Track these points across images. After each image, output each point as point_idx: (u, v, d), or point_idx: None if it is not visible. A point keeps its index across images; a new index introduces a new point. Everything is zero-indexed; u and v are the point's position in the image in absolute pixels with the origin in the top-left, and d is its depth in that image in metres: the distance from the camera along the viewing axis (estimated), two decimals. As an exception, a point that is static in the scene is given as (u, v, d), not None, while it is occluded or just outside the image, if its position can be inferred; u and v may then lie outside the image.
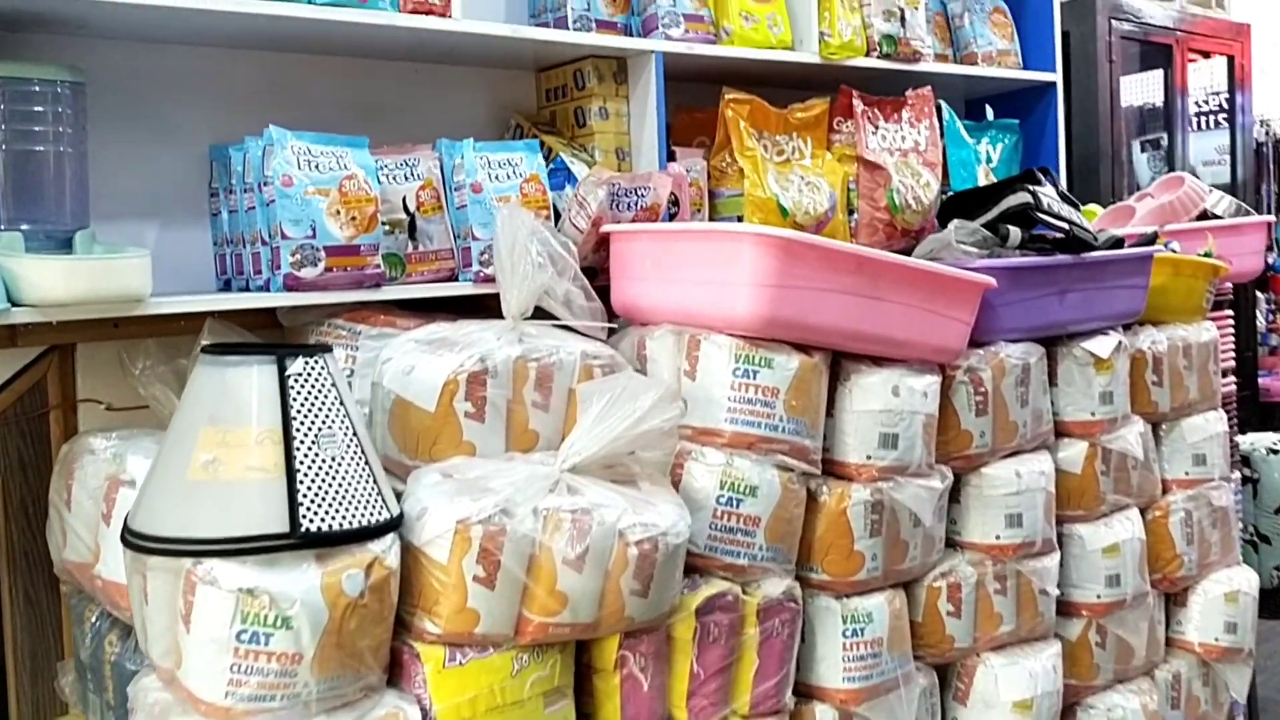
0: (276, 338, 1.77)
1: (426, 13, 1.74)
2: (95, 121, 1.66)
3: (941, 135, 2.46)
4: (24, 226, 1.50)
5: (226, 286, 1.77)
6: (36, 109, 1.50)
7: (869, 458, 1.72)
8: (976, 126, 2.60)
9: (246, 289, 1.70)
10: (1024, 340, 1.97)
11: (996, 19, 2.73)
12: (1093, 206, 2.89)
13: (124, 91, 1.72)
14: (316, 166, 1.64)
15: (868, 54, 2.35)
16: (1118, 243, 2.06)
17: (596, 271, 1.90)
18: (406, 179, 1.79)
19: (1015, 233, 1.92)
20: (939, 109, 2.49)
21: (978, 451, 1.90)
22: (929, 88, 2.45)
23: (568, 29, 2.02)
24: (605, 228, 1.83)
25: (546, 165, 1.96)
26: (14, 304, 1.41)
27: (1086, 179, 3.30)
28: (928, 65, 2.50)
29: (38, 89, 1.50)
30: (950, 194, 2.29)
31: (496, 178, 1.84)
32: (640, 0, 2.12)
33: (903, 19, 2.39)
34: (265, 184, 1.61)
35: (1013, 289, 1.91)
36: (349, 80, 1.94)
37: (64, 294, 1.40)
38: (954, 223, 1.94)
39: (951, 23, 2.71)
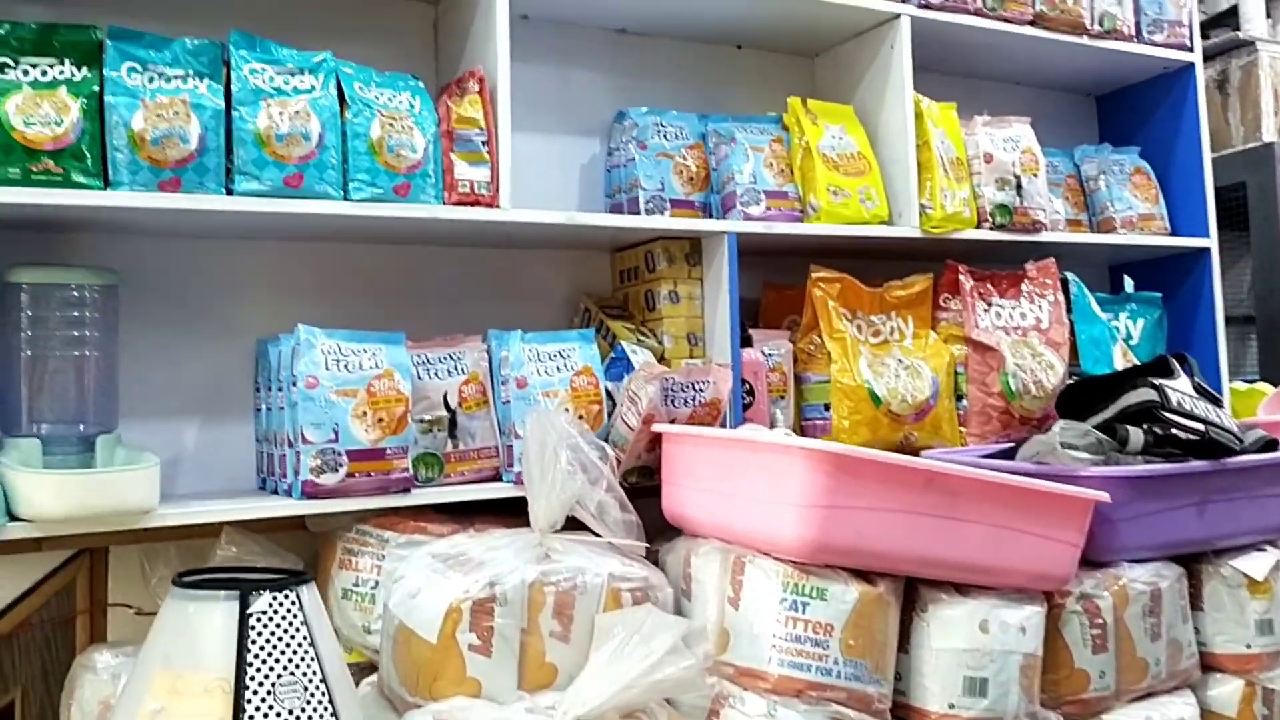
0: (304, 544, 1.68)
1: (473, 203, 1.67)
2: (137, 316, 1.66)
3: (1069, 311, 2.22)
4: (44, 431, 1.47)
5: (263, 487, 1.71)
6: (64, 314, 1.49)
7: (952, 707, 1.46)
8: (1113, 300, 2.34)
9: (276, 491, 1.62)
10: (1154, 560, 1.68)
11: (1138, 180, 2.48)
12: (1263, 386, 2.55)
13: (169, 286, 1.70)
14: (345, 366, 1.57)
15: (979, 225, 2.15)
16: (1269, 444, 1.75)
17: (653, 472, 1.75)
18: (450, 374, 1.70)
19: (1136, 435, 1.65)
20: (1065, 282, 2.25)
21: (1097, 695, 1.60)
22: (1052, 259, 2.23)
23: (639, 210, 1.93)
24: (656, 427, 1.68)
25: (607, 354, 1.84)
26: (13, 518, 1.36)
27: (1274, 346, 2.90)
28: (1053, 234, 2.27)
29: (68, 294, 1.49)
30: (1073, 381, 2.03)
31: (545, 371, 1.72)
32: (720, 176, 2.01)
33: (1019, 187, 2.18)
34: (294, 384, 1.55)
35: (1136, 501, 1.63)
36: (406, 266, 1.89)
37: (57, 510, 1.35)
38: (1059, 424, 1.69)
39: (1086, 186, 2.48)
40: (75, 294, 1.50)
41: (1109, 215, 2.42)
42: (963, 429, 2.07)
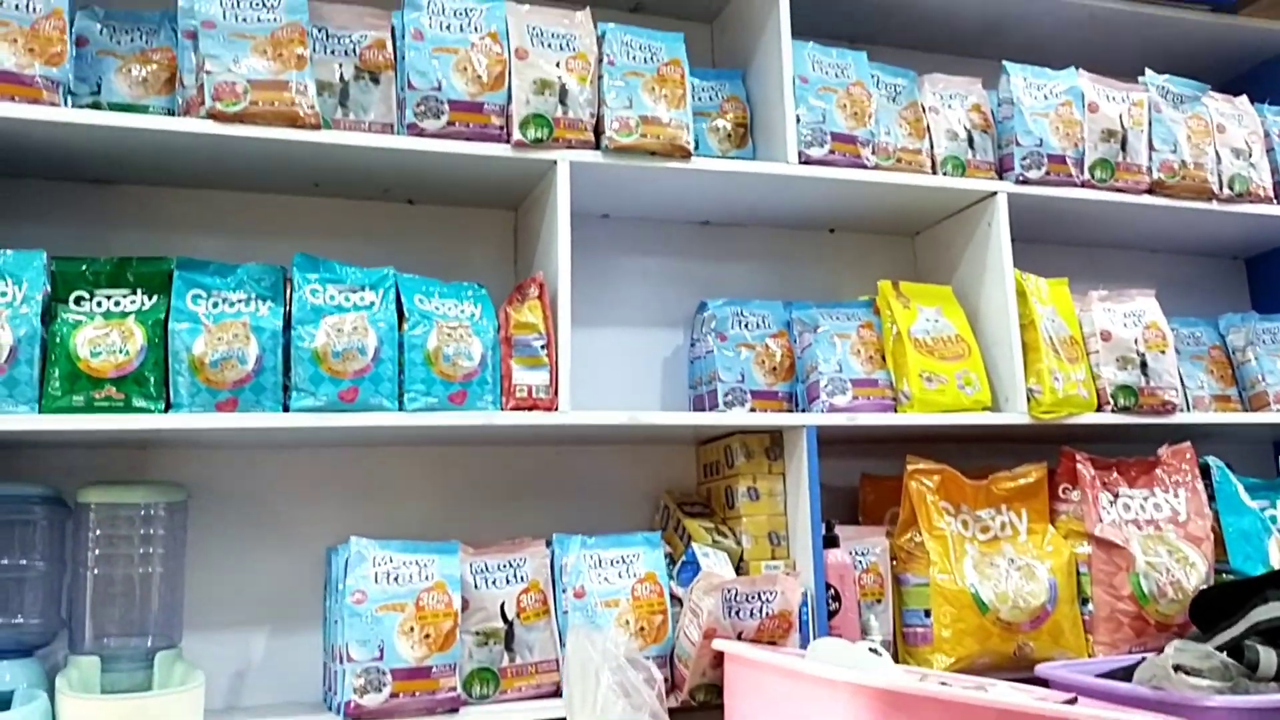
0: (356, 760, 1.63)
1: (530, 408, 1.66)
2: (205, 525, 1.70)
3: (1212, 500, 1.99)
4: (107, 648, 1.51)
5: (325, 700, 1.69)
6: (132, 533, 1.54)
7: None
8: (1267, 486, 2.08)
9: (330, 708, 1.60)
10: (1307, 811, 1.42)
11: (1292, 350, 2.25)
12: None
13: (235, 496, 1.74)
14: (395, 579, 1.55)
15: (1099, 408, 1.97)
16: None
17: (720, 691, 1.63)
18: (509, 582, 1.65)
19: (1269, 658, 1.43)
20: (1205, 468, 2.03)
21: None
22: (1188, 443, 2.02)
23: (719, 403, 1.87)
24: (717, 643, 1.57)
25: (678, 558, 1.75)
26: (60, 738, 1.39)
27: None
28: (1191, 415, 2.07)
29: (136, 513, 1.54)
30: (1209, 586, 1.80)
31: (605, 579, 1.65)
32: (804, 365, 1.93)
33: (1144, 366, 2.00)
34: (344, 598, 1.54)
35: (1275, 739, 1.40)
36: (471, 467, 1.88)
37: (96, 733, 1.36)
38: (1174, 644, 1.48)
39: (1233, 358, 2.26)
40: (144, 513, 1.55)
41: (1261, 390, 2.19)
42: (1090, 637, 1.86)
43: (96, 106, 1.58)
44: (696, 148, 1.93)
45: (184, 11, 1.60)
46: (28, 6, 1.51)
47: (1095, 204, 2.07)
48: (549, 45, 1.75)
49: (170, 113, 1.61)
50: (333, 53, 1.69)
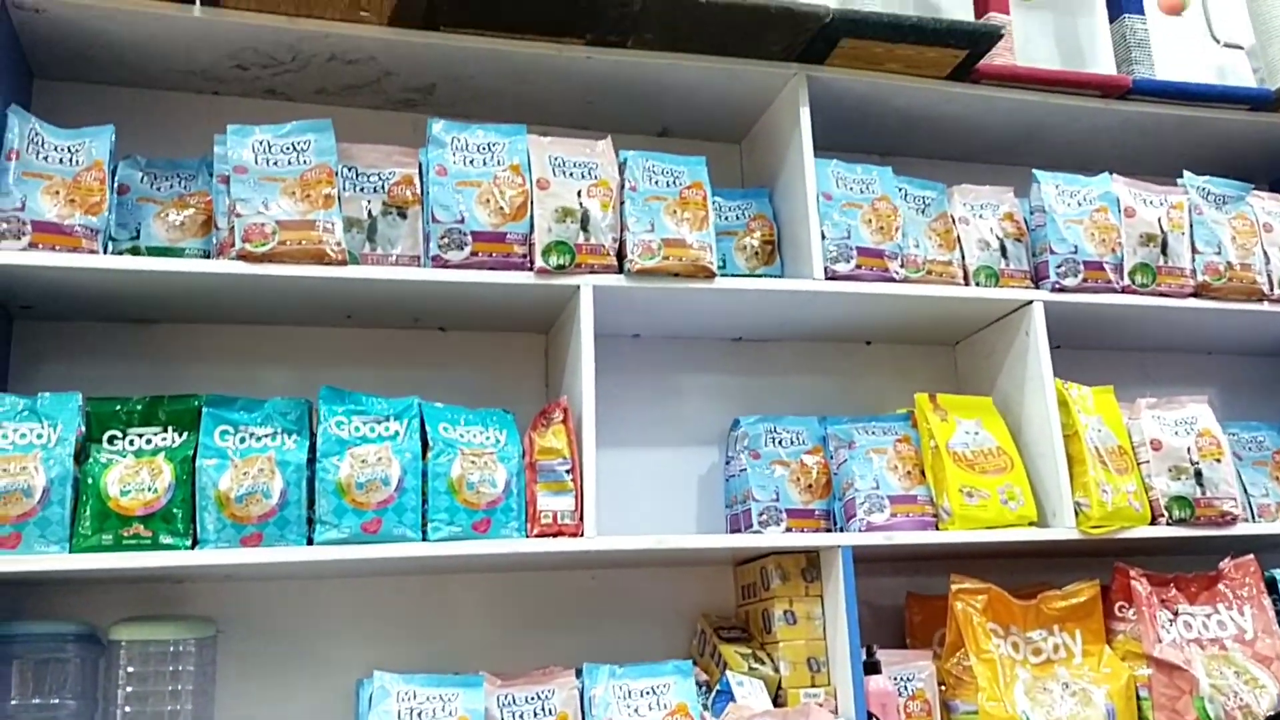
0: None
1: (555, 534, 1.64)
2: (234, 656, 1.70)
3: (1281, 616, 1.89)
4: (133, 783, 1.51)
5: (353, 835, 1.66)
6: (162, 669, 1.55)
7: None
8: (1342, 599, 1.97)
9: (356, 846, 1.57)
10: None
11: (1364, 453, 2.14)
12: None
13: (263, 627, 1.74)
14: (419, 715, 1.53)
15: (1153, 521, 1.89)
16: None
17: (755, 829, 1.56)
18: (536, 715, 1.62)
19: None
20: (1273, 582, 1.92)
21: None
22: (1252, 556, 1.92)
23: (753, 523, 1.84)
24: (748, 781, 1.51)
25: (713, 687, 1.71)
26: None
27: None
28: (1257, 525, 1.97)
29: (166, 649, 1.56)
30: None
31: (636, 710, 1.61)
32: (840, 482, 1.89)
33: (1199, 476, 1.92)
34: (369, 734, 1.52)
35: None
36: (499, 594, 1.86)
37: None
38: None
39: (1298, 463, 2.16)
40: (174, 649, 1.56)
41: (1331, 496, 2.08)
42: (1154, 768, 1.75)
43: (136, 251, 1.65)
44: (724, 266, 1.94)
45: (219, 158, 1.67)
46: (71, 160, 1.59)
47: (1138, 309, 2.02)
48: (570, 174, 1.79)
49: (206, 254, 1.68)
50: (361, 190, 1.74)
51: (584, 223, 1.75)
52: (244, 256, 1.59)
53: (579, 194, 1.77)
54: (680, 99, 2.03)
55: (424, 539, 1.59)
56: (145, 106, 1.85)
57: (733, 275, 1.95)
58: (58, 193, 1.56)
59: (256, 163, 1.65)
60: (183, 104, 1.88)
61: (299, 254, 1.61)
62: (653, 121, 2.11)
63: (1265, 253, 2.09)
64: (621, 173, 1.83)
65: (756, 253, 1.98)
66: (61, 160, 1.59)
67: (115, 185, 1.66)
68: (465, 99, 1.96)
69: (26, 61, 1.75)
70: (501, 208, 1.72)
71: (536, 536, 1.64)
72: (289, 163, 1.66)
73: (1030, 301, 1.96)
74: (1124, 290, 2.00)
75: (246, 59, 1.79)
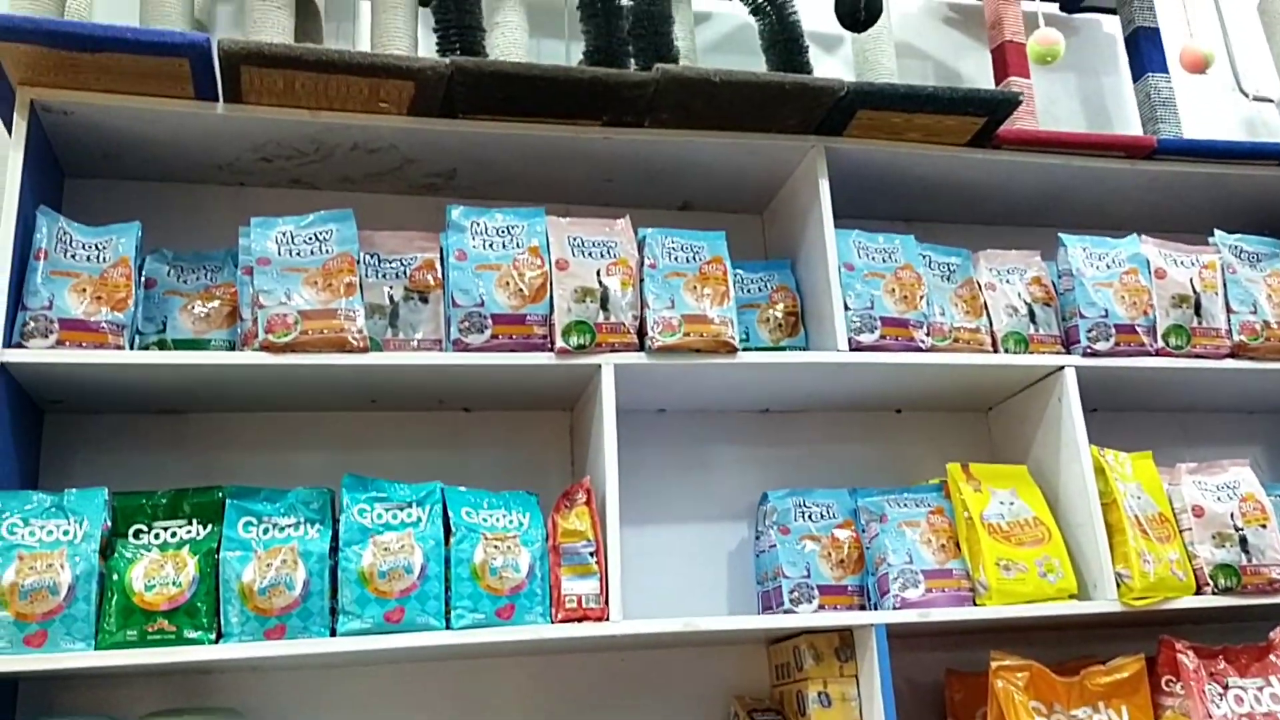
0: None
1: (580, 619, 1.62)
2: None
3: (1339, 689, 1.81)
4: None
5: None
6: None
7: None
8: (1403, 669, 1.89)
9: None
10: None
11: None
12: None
13: (293, 718, 1.73)
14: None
15: (1198, 590, 1.84)
16: None
17: None
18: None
19: None
20: (1329, 653, 1.85)
21: None
22: (1304, 625, 1.85)
23: (784, 601, 1.80)
24: None
25: (745, 775, 1.67)
26: None
27: None
28: (1306, 592, 1.91)
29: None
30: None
31: (667, 800, 1.58)
32: (872, 557, 1.86)
33: (1244, 543, 1.86)
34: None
35: None
36: (527, 679, 1.83)
37: None
38: None
39: (1350, 523, 2.09)
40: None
41: (1387, 559, 2.01)
42: None
43: (162, 343, 1.67)
44: (747, 339, 1.94)
45: (243, 249, 1.70)
46: (99, 257, 1.62)
47: (1173, 372, 1.98)
48: (589, 254, 1.79)
49: (231, 344, 1.69)
50: (384, 276, 1.76)
51: (604, 302, 1.76)
52: (267, 347, 1.61)
53: (598, 273, 1.77)
54: (700, 174, 2.04)
55: (447, 627, 1.57)
56: (173, 200, 1.89)
57: (756, 348, 1.93)
58: (85, 290, 1.59)
59: (280, 254, 1.67)
60: (210, 196, 1.91)
61: (321, 343, 1.63)
62: (674, 196, 2.12)
63: (1304, 310, 2.04)
64: (641, 250, 1.84)
65: (780, 324, 1.97)
66: (89, 258, 1.62)
67: (142, 280, 1.69)
68: (486, 181, 1.98)
69: (58, 161, 1.80)
70: (521, 290, 1.73)
71: (561, 621, 1.62)
72: (311, 252, 1.69)
73: (1061, 367, 1.92)
74: (1158, 353, 1.96)
75: (270, 151, 1.83)
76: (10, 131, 1.64)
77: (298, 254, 1.68)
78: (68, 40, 1.53)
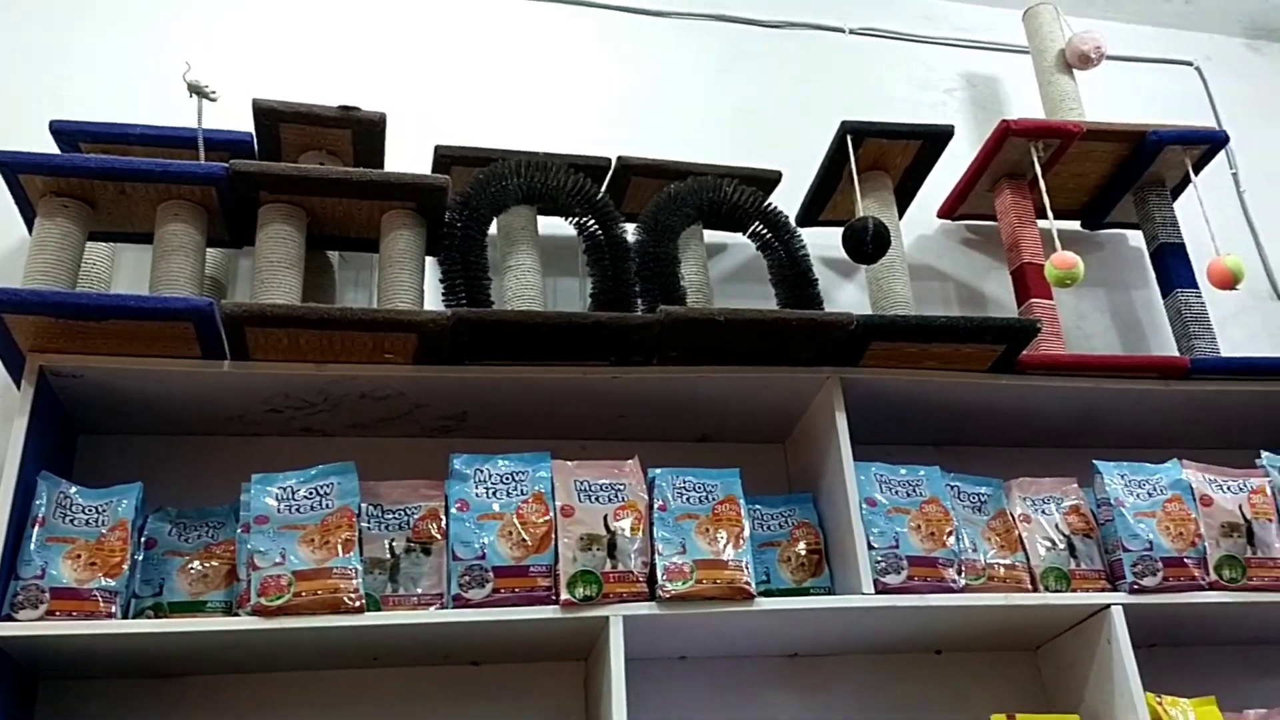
0: None
1: None
2: None
3: None
4: None
5: None
6: None
7: None
8: None
9: None
10: None
11: None
12: None
13: None
14: None
15: None
16: None
17: None
18: None
19: None
20: None
21: None
22: None
23: None
24: None
25: None
26: None
27: None
28: None
29: None
30: None
31: None
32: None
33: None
34: None
35: None
36: None
37: None
38: None
39: None
40: None
41: None
42: None
43: (158, 607, 1.63)
44: (767, 580, 1.84)
45: (244, 505, 1.67)
46: (98, 520, 1.61)
47: (1229, 606, 1.83)
48: (596, 499, 1.74)
49: (229, 604, 1.65)
50: (386, 527, 1.71)
51: (611, 549, 1.69)
52: (259, 611, 1.56)
53: (605, 518, 1.71)
54: (715, 407, 2.00)
55: None
56: (183, 454, 1.89)
57: (777, 590, 1.84)
58: (79, 556, 1.57)
59: (280, 510, 1.64)
60: (219, 448, 1.91)
61: (315, 605, 1.57)
62: (691, 429, 2.08)
63: (1369, 534, 1.90)
64: (650, 492, 1.78)
65: (803, 564, 1.88)
66: (88, 521, 1.61)
67: (143, 540, 1.67)
68: (498, 422, 1.96)
69: (71, 421, 1.82)
70: (524, 540, 1.67)
71: None
72: (311, 508, 1.66)
73: (1107, 606, 1.79)
74: (1211, 586, 1.82)
75: (279, 403, 1.83)
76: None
77: (297, 509, 1.65)
78: (74, 311, 1.57)
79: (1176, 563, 1.82)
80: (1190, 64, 2.92)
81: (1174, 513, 1.86)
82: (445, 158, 2.06)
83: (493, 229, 1.95)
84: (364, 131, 1.93)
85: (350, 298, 2.10)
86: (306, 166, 1.81)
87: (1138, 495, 1.88)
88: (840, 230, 2.00)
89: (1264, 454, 1.96)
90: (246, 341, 1.68)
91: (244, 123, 1.93)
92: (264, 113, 1.90)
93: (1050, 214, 2.10)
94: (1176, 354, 2.16)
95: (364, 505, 1.69)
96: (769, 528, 1.92)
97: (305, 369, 1.74)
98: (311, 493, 1.67)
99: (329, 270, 2.02)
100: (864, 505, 1.82)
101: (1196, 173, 2.27)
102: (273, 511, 1.64)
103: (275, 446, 1.93)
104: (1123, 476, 1.91)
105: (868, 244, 1.93)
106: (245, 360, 1.72)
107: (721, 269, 2.34)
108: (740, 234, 2.12)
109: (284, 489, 1.67)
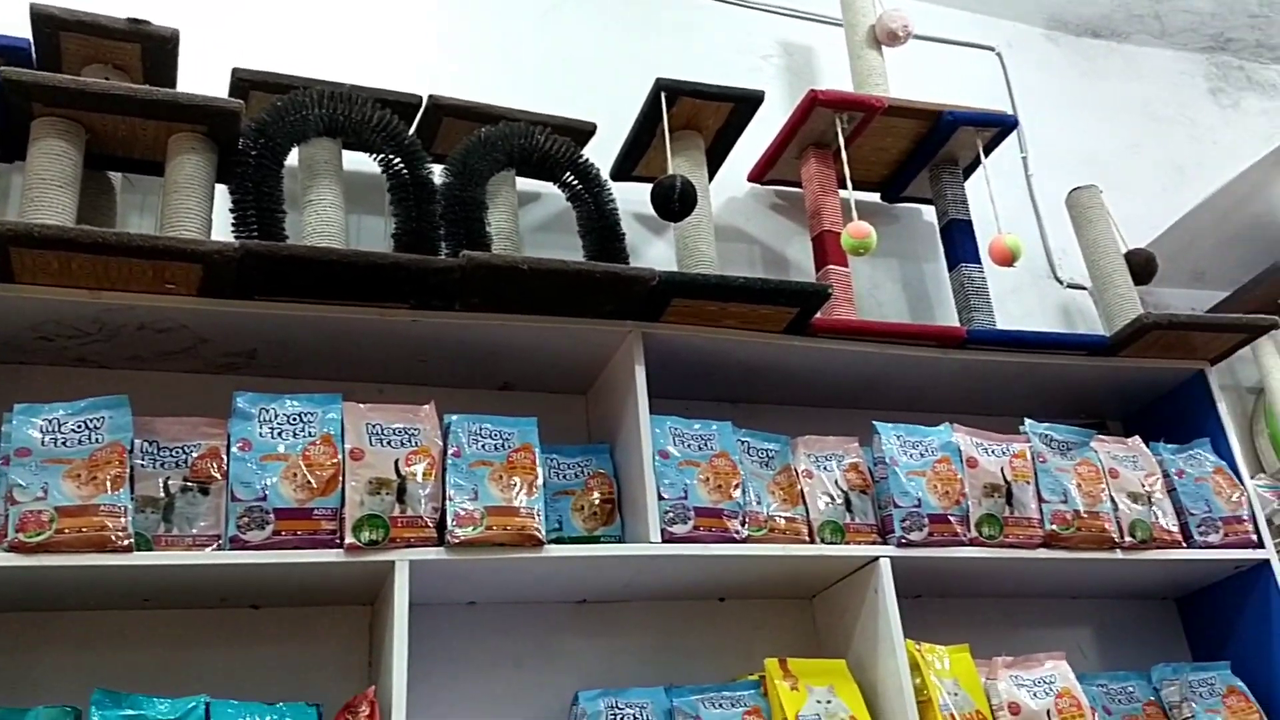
0: None
1: None
2: None
3: None
4: None
5: None
6: None
7: None
8: None
9: None
10: None
11: (1234, 703, 2.07)
12: None
13: None
14: None
15: (1017, 793, 1.79)
16: None
17: None
18: None
19: None
20: None
21: None
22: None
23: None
24: None
25: None
26: None
27: None
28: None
29: None
30: None
31: None
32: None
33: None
34: None
35: None
36: None
37: None
38: None
39: (1169, 715, 2.07)
40: None
41: (1207, 755, 2.00)
42: None
43: (-95, 541, 1.52)
44: (559, 528, 1.87)
45: (4, 437, 1.57)
46: None
47: (987, 562, 1.97)
48: (389, 443, 1.71)
49: (-16, 541, 1.55)
50: (162, 465, 1.64)
51: (400, 494, 1.67)
52: (16, 547, 1.48)
53: (396, 463, 1.69)
54: (518, 356, 2.00)
55: None
56: (-58, 381, 1.77)
57: (569, 538, 1.86)
58: None
59: (44, 444, 1.55)
60: (-16, 376, 1.79)
61: (78, 542, 1.49)
62: (493, 377, 2.07)
63: (1113, 499, 2.07)
64: (445, 438, 1.77)
65: (595, 513, 1.91)
66: None
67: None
68: (290, 361, 1.91)
69: None
70: (309, 482, 1.64)
71: None
72: (79, 442, 1.57)
73: (876, 558, 1.90)
74: (971, 543, 1.95)
75: (49, 331, 1.73)
76: None
77: (64, 443, 1.56)
78: None
79: (941, 519, 1.94)
80: (992, 49, 3.07)
81: (942, 473, 1.98)
82: (243, 82, 1.97)
83: (295, 161, 1.88)
84: (154, 47, 1.83)
85: (135, 223, 1.99)
86: (86, 80, 1.69)
87: (911, 455, 1.99)
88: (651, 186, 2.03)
89: (1028, 421, 2.11)
90: (11, 263, 1.57)
91: (23, 29, 1.80)
92: (43, 19, 1.77)
93: (850, 184, 2.18)
94: (957, 325, 2.29)
95: (138, 441, 1.62)
96: (565, 477, 1.94)
97: (78, 295, 1.65)
98: (80, 426, 1.58)
99: (110, 192, 1.90)
100: (657, 457, 1.86)
101: (987, 154, 2.39)
102: (35, 444, 1.55)
103: (46, 376, 1.82)
104: (899, 437, 2.01)
105: (674, 202, 1.96)
106: (10, 283, 1.61)
107: (534, 218, 2.33)
108: (552, 184, 2.11)
109: (49, 421, 1.57)
